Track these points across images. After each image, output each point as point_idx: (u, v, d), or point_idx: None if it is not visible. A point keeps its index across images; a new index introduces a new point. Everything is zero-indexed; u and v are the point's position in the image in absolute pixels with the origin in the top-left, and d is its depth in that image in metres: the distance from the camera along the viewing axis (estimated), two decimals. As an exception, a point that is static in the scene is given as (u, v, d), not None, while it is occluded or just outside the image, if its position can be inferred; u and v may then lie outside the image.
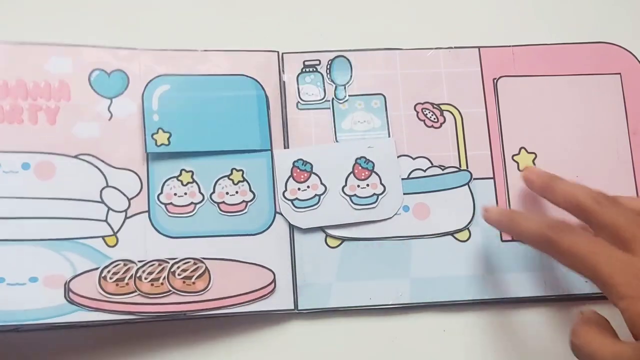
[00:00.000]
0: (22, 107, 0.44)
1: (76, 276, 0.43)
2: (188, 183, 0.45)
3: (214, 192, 0.45)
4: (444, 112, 0.49)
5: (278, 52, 0.48)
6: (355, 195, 0.46)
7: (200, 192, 0.45)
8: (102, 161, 0.45)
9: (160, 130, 0.45)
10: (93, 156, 0.45)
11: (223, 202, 0.45)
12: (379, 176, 0.47)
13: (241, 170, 0.46)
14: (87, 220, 0.44)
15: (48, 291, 0.42)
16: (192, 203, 0.45)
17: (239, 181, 0.46)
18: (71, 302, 0.42)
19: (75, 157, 0.44)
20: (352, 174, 0.46)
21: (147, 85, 0.46)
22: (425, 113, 0.48)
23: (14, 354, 0.43)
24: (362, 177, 0.46)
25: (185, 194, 0.45)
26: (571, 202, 0.39)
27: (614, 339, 0.35)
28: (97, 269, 0.43)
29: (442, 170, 0.48)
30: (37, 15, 0.48)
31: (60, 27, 0.47)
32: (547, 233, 0.37)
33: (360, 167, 0.47)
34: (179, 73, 0.47)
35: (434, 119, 0.48)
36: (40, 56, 0.45)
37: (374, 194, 0.46)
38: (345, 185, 0.46)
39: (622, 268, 0.34)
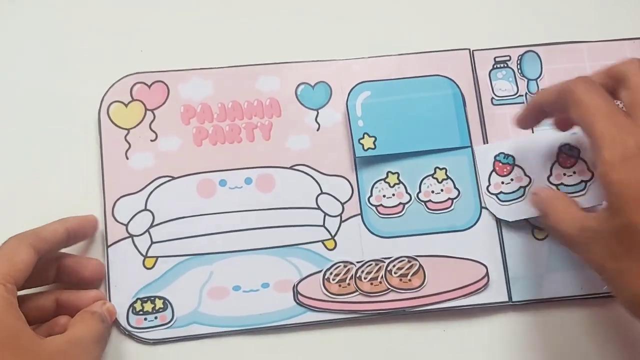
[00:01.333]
0: (239, 126, 0.48)
1: (302, 280, 0.46)
2: (395, 184, 0.47)
3: (420, 191, 0.47)
4: (634, 101, 0.49)
5: (469, 49, 0.49)
6: (562, 183, 0.47)
7: (407, 192, 0.47)
8: (315, 170, 0.47)
9: (365, 135, 0.47)
10: (307, 166, 0.47)
11: (429, 200, 0.47)
12: (585, 162, 0.47)
13: (444, 168, 0.48)
14: (307, 227, 0.47)
15: (279, 295, 0.46)
16: (400, 203, 0.47)
17: (443, 179, 0.47)
18: (300, 304, 0.45)
19: (291, 168, 0.47)
20: (557, 163, 0.47)
21: (349, 93, 0.48)
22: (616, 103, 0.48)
23: (249, 356, 0.46)
24: (568, 165, 0.47)
25: (393, 195, 0.47)
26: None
27: (579, 211, 0.38)
28: (320, 271, 0.46)
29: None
30: (240, 38, 0.50)
31: (262, 47, 0.50)
32: (569, 83, 0.38)
33: (565, 155, 0.47)
34: (378, 78, 0.49)
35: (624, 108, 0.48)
36: (250, 77, 0.49)
37: (582, 180, 0.46)
38: (551, 174, 0.47)
39: (616, 131, 0.35)
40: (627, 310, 0.36)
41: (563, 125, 0.44)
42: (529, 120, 0.44)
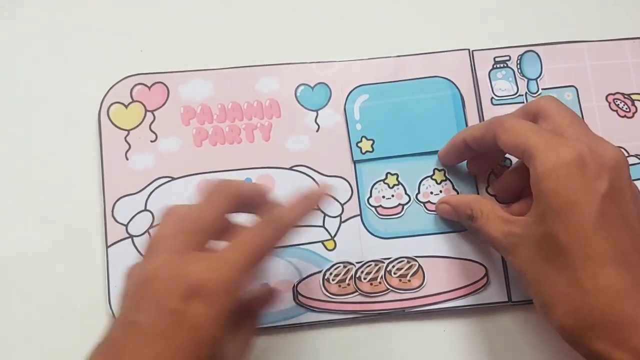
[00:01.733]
0: (239, 127, 0.48)
1: (302, 280, 0.46)
2: (394, 185, 0.47)
3: (419, 192, 0.47)
4: (635, 101, 0.49)
5: (469, 49, 0.49)
6: None
7: (406, 193, 0.47)
8: (315, 170, 0.48)
9: (363, 139, 0.47)
10: (306, 167, 0.48)
11: (428, 201, 0.47)
12: None
13: (443, 170, 0.48)
14: (306, 227, 0.47)
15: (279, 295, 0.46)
16: (399, 204, 0.47)
17: (442, 180, 0.48)
18: (300, 304, 0.46)
19: (290, 169, 0.47)
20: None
21: (348, 96, 0.48)
22: (617, 103, 0.49)
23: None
24: None
25: (393, 196, 0.47)
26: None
27: (505, 215, 0.40)
28: (320, 272, 0.46)
29: (639, 159, 0.48)
30: (239, 39, 0.50)
31: (262, 49, 0.50)
32: (494, 119, 0.40)
33: None
34: (376, 81, 0.49)
35: (626, 109, 0.49)
36: (250, 78, 0.49)
37: None
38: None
39: (547, 143, 0.36)
40: (539, 314, 0.37)
41: (477, 166, 0.46)
42: (451, 156, 0.46)
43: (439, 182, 0.48)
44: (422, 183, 0.48)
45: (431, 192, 0.47)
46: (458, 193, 0.47)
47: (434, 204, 0.47)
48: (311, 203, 0.37)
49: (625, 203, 0.35)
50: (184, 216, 0.33)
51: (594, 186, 0.34)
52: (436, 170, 0.48)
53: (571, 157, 0.35)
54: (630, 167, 0.45)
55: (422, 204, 0.47)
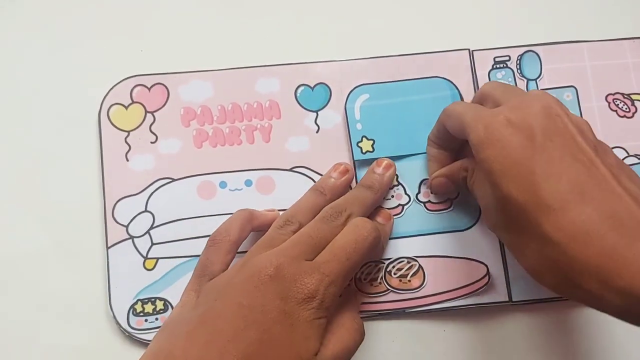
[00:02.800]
0: (239, 128, 0.48)
1: (303, 280, 0.46)
2: (394, 186, 0.47)
3: (419, 192, 0.47)
4: (635, 101, 0.49)
5: (469, 49, 0.50)
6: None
7: (406, 193, 0.47)
8: (314, 171, 0.48)
9: (364, 138, 0.47)
10: (306, 168, 0.48)
11: (429, 201, 0.47)
12: None
13: (443, 169, 0.48)
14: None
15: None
16: (399, 205, 0.47)
17: (443, 180, 0.48)
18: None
19: (290, 170, 0.47)
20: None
21: (348, 95, 0.48)
22: (616, 103, 0.49)
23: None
24: None
25: (392, 196, 0.47)
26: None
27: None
28: (320, 272, 0.46)
29: (639, 159, 0.48)
30: (239, 40, 0.51)
31: (263, 50, 0.50)
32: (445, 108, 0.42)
33: None
34: (376, 81, 0.49)
35: (626, 109, 0.49)
36: (250, 79, 0.49)
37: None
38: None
39: (477, 116, 0.36)
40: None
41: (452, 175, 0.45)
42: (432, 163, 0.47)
43: (440, 182, 0.47)
44: (424, 183, 0.48)
45: (432, 192, 0.47)
46: (458, 192, 0.47)
47: (434, 203, 0.47)
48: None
49: (568, 139, 0.34)
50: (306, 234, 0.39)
51: (528, 138, 0.34)
52: (437, 171, 0.48)
53: (498, 122, 0.34)
54: (630, 167, 0.45)
55: (422, 204, 0.47)
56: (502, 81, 0.49)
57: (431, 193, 0.47)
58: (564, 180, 0.33)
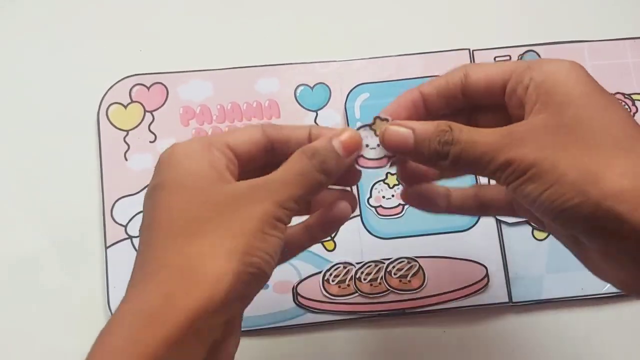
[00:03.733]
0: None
1: (302, 281, 0.46)
2: (394, 185, 0.47)
3: (420, 192, 0.47)
4: (635, 101, 0.49)
5: (469, 49, 0.49)
6: None
7: (406, 193, 0.47)
8: (314, 171, 0.47)
9: (364, 138, 0.47)
10: (305, 167, 0.47)
11: (430, 201, 0.47)
12: None
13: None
14: (308, 227, 0.47)
15: (279, 297, 0.46)
16: (400, 204, 0.47)
17: (444, 178, 0.47)
18: (300, 305, 0.45)
19: (290, 169, 0.47)
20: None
21: (348, 94, 0.48)
22: (618, 103, 0.49)
23: (250, 357, 0.46)
24: None
25: (393, 196, 0.47)
26: None
27: (493, 129, 0.31)
28: (319, 272, 0.46)
29: None
30: (240, 41, 0.50)
31: (263, 50, 0.50)
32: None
33: None
34: (377, 79, 0.49)
35: (627, 108, 0.48)
36: (249, 78, 0.49)
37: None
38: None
39: (531, 62, 0.32)
40: (547, 202, 0.29)
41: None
42: (400, 107, 0.37)
43: (439, 181, 0.47)
44: (423, 183, 0.47)
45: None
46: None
47: (435, 204, 0.47)
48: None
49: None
50: None
51: (591, 81, 0.32)
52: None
53: (568, 64, 0.32)
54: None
55: (423, 205, 0.47)
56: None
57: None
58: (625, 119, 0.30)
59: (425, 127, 0.32)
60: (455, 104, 0.34)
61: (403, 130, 0.32)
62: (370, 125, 0.35)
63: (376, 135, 0.34)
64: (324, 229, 0.35)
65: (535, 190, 0.29)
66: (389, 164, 0.34)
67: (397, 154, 0.33)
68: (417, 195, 0.36)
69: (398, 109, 0.36)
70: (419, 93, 0.35)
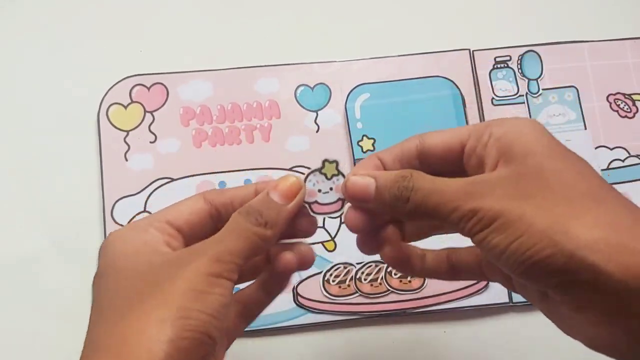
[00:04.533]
0: (239, 128, 0.48)
1: (302, 281, 0.46)
2: (394, 186, 0.47)
3: (423, 193, 0.47)
4: (636, 102, 0.49)
5: (469, 49, 0.49)
6: None
7: (406, 194, 0.47)
8: (314, 171, 0.47)
9: (364, 137, 0.47)
10: (306, 167, 0.47)
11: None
12: None
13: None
14: (306, 228, 0.46)
15: (279, 297, 0.45)
16: (400, 205, 0.47)
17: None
18: (300, 305, 0.45)
19: (290, 169, 0.47)
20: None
21: (348, 95, 0.48)
22: (617, 103, 0.49)
23: (250, 358, 0.46)
24: None
25: (393, 196, 0.47)
26: None
27: (452, 179, 0.30)
28: (320, 273, 0.46)
29: (640, 159, 0.48)
30: (238, 41, 0.50)
31: (263, 51, 0.50)
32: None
33: None
34: (377, 80, 0.49)
35: (627, 109, 0.49)
36: (250, 79, 0.49)
37: None
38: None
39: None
40: (512, 255, 0.28)
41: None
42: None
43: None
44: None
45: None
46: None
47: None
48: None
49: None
50: None
51: (552, 136, 0.30)
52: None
53: (527, 120, 0.31)
54: (630, 167, 0.45)
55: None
56: (505, 81, 0.49)
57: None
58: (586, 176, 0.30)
59: (387, 175, 0.32)
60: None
61: (364, 180, 0.32)
62: (320, 170, 0.35)
63: (327, 179, 0.34)
64: (276, 283, 0.35)
65: (502, 241, 0.28)
66: (343, 207, 0.34)
67: (359, 203, 0.32)
68: (394, 257, 0.35)
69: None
70: (378, 159, 0.34)
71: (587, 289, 0.26)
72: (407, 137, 0.34)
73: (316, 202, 0.35)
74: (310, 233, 0.35)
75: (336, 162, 0.35)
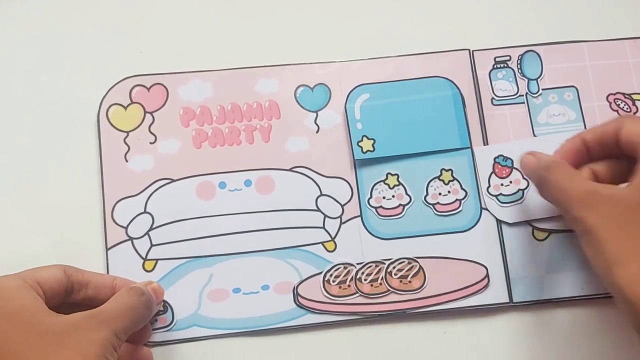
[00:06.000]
0: (239, 129, 0.48)
1: (302, 281, 0.46)
2: (395, 186, 0.47)
3: (427, 194, 0.47)
4: (636, 101, 0.49)
5: (469, 49, 0.49)
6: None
7: (407, 193, 0.47)
8: (315, 172, 0.47)
9: (364, 138, 0.47)
10: (306, 168, 0.47)
11: (438, 202, 0.47)
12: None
13: (450, 169, 0.47)
14: (306, 229, 0.47)
15: (279, 297, 0.46)
16: (400, 205, 0.47)
17: (450, 180, 0.47)
18: (300, 306, 0.45)
19: (290, 170, 0.47)
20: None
21: (348, 95, 0.48)
22: (617, 103, 0.49)
23: (250, 358, 0.46)
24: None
25: (393, 196, 0.47)
26: None
27: (587, 182, 0.39)
28: (320, 273, 0.46)
29: (640, 159, 0.48)
30: (239, 41, 0.50)
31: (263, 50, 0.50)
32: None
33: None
34: (377, 80, 0.49)
35: (627, 109, 0.49)
36: (250, 79, 0.49)
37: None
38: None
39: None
40: (601, 275, 0.36)
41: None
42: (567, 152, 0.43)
43: (447, 182, 0.47)
44: (430, 184, 0.47)
45: (439, 194, 0.47)
46: (467, 193, 0.47)
47: (443, 204, 0.47)
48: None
49: None
50: None
51: None
52: (443, 171, 0.48)
53: None
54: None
55: (431, 206, 0.47)
56: (505, 81, 0.49)
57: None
58: None
59: (540, 161, 0.41)
60: (612, 143, 0.40)
61: (526, 159, 0.42)
62: (384, 181, 0.47)
63: (390, 188, 0.47)
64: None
65: (589, 253, 0.37)
66: (403, 212, 0.46)
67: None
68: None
69: (565, 154, 0.42)
70: (580, 140, 0.41)
71: None
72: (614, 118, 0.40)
73: (381, 206, 0.46)
74: (143, 341, 0.43)
75: (397, 175, 0.47)
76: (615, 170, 0.40)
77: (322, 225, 0.46)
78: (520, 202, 0.47)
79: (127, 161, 0.47)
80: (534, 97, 0.48)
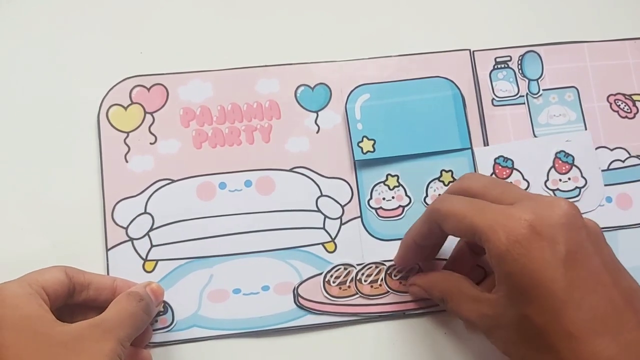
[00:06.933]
0: (239, 129, 0.48)
1: (303, 282, 0.46)
2: (395, 187, 0.47)
3: (427, 195, 0.47)
4: (636, 102, 0.49)
5: (470, 49, 0.49)
6: (557, 189, 0.47)
7: (406, 195, 0.47)
8: (315, 172, 0.47)
9: (364, 138, 0.47)
10: (306, 168, 0.47)
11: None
12: (579, 169, 0.47)
13: (450, 170, 0.47)
14: (307, 229, 0.47)
15: (279, 298, 0.46)
16: (400, 206, 0.47)
17: (450, 182, 0.47)
18: (301, 306, 0.45)
19: (290, 170, 0.47)
20: (553, 168, 0.47)
21: (348, 95, 0.48)
22: (618, 104, 0.49)
23: (250, 359, 0.46)
24: (563, 171, 0.47)
25: (393, 197, 0.47)
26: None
27: (476, 295, 0.37)
28: (320, 274, 0.46)
29: (640, 160, 0.48)
30: (241, 41, 0.50)
31: (263, 50, 0.50)
32: (429, 208, 0.39)
33: (560, 161, 0.47)
34: (377, 81, 0.49)
35: (627, 109, 0.49)
36: (250, 79, 0.49)
37: (576, 187, 0.47)
38: (547, 179, 0.47)
39: (494, 221, 0.34)
40: None
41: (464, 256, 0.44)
42: (409, 259, 0.44)
43: (446, 183, 0.47)
44: (430, 186, 0.47)
45: (439, 195, 0.47)
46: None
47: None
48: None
49: (589, 258, 0.33)
50: None
51: (553, 254, 0.32)
52: (443, 172, 0.48)
53: (522, 231, 0.33)
54: (630, 168, 0.45)
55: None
56: (506, 82, 0.49)
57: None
58: (586, 307, 0.32)
59: (427, 285, 0.43)
60: (444, 236, 0.42)
61: (415, 289, 0.44)
62: (384, 182, 0.47)
63: (390, 189, 0.47)
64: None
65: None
66: (403, 213, 0.47)
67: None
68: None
69: (405, 256, 0.44)
70: (413, 242, 0.42)
71: None
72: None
73: (381, 207, 0.47)
74: (142, 344, 0.42)
75: (397, 176, 0.47)
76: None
77: (322, 226, 0.47)
78: (521, 203, 0.46)
79: (127, 162, 0.47)
80: (535, 97, 0.48)
